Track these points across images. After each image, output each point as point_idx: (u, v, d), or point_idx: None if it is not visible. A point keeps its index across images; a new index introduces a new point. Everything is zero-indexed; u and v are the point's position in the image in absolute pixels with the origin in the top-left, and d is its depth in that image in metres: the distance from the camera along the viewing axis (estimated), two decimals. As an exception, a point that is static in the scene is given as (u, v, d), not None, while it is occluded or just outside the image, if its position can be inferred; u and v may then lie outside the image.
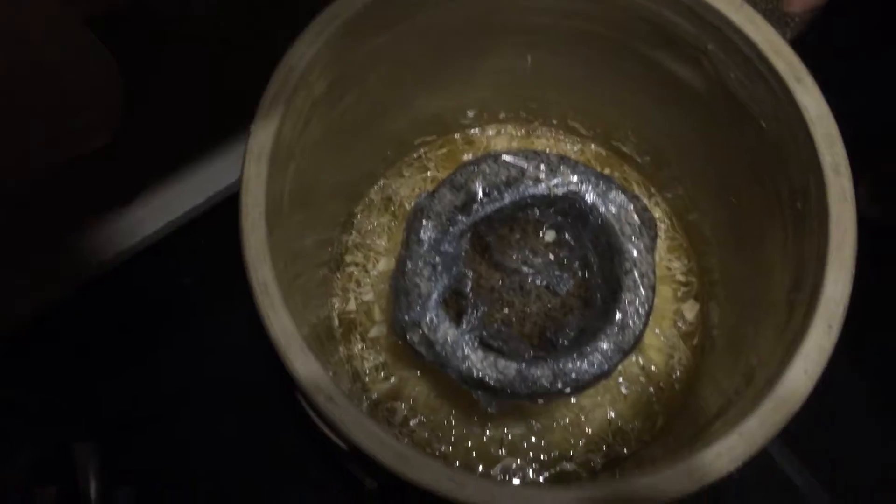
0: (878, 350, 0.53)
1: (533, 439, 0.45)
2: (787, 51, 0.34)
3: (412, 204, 0.42)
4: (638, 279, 0.39)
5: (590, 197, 0.40)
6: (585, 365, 0.38)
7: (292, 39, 0.34)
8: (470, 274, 0.41)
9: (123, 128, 0.39)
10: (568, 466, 0.44)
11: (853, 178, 0.31)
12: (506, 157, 0.40)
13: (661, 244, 0.48)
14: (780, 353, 0.31)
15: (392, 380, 0.46)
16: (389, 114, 0.44)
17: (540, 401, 0.38)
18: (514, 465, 0.44)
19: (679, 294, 0.47)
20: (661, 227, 0.49)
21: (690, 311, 0.46)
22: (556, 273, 0.43)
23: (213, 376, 0.54)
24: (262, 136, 0.32)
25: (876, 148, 0.56)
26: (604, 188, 0.40)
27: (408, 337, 0.38)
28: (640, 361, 0.46)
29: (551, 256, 0.43)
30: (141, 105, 0.42)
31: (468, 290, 0.40)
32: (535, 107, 0.49)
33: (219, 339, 0.55)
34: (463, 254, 0.40)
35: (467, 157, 0.51)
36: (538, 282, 0.43)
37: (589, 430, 0.45)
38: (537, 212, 0.42)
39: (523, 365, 0.37)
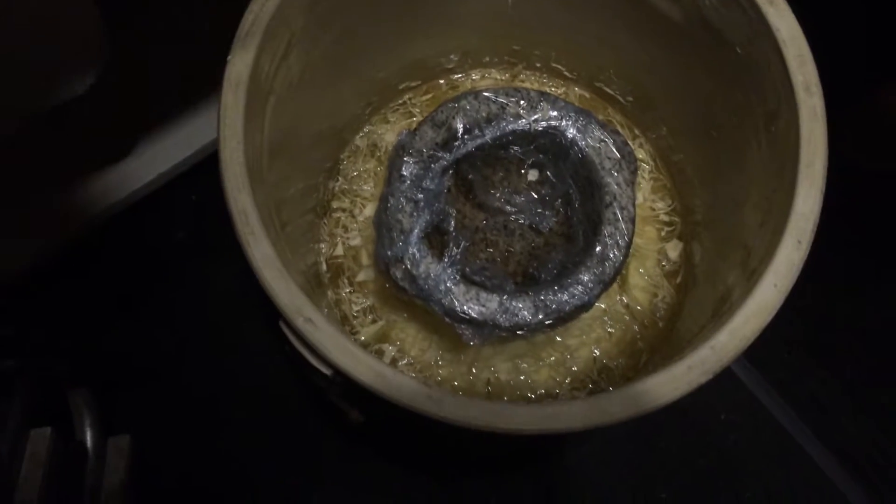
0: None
1: (520, 378, 0.45)
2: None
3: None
4: (618, 212, 0.39)
5: (570, 132, 0.40)
6: (566, 296, 0.38)
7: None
8: (453, 212, 0.41)
9: (113, 78, 0.40)
10: (554, 404, 0.45)
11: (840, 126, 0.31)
12: (486, 94, 0.40)
13: (646, 185, 0.48)
14: (748, 275, 0.31)
15: (380, 323, 0.46)
16: (371, 57, 0.45)
17: (520, 332, 0.38)
18: (500, 405, 0.45)
19: (663, 234, 0.47)
20: (646, 168, 0.49)
21: (674, 250, 0.47)
22: (539, 211, 0.43)
23: (208, 329, 0.55)
24: (240, 65, 0.32)
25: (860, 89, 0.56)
26: (583, 123, 0.40)
27: (391, 272, 0.39)
28: (625, 300, 0.46)
29: (534, 195, 0.44)
30: (130, 54, 0.42)
31: (451, 226, 0.40)
32: (518, 49, 0.49)
33: (213, 291, 0.56)
34: (445, 190, 0.40)
35: (452, 101, 0.51)
36: (522, 220, 0.44)
37: (574, 369, 0.45)
38: (519, 149, 0.42)
39: (505, 297, 0.38)
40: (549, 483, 0.51)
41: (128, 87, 0.47)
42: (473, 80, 0.51)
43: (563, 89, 0.51)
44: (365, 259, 0.48)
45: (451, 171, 0.41)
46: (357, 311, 0.47)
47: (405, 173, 0.39)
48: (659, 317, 0.46)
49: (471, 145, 0.40)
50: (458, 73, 0.51)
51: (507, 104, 0.40)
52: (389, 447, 0.51)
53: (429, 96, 0.51)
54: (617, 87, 0.48)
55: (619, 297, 0.46)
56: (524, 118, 0.40)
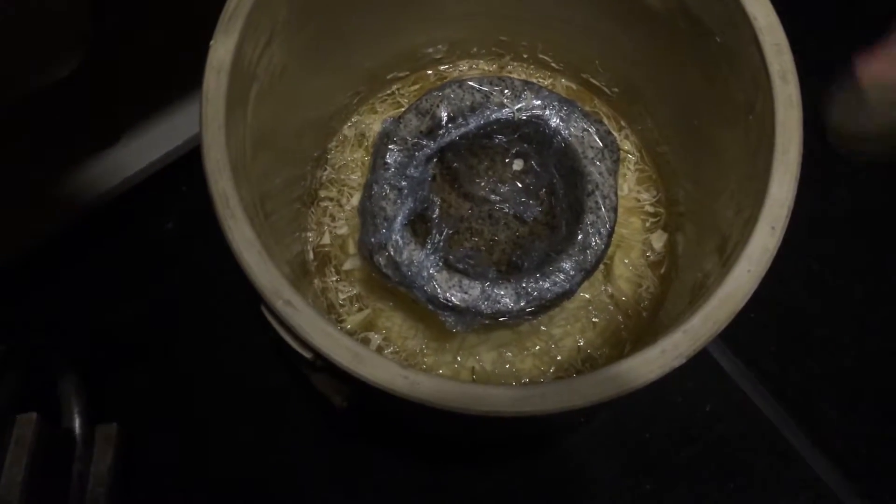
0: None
1: (505, 367, 0.45)
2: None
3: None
4: (600, 201, 0.39)
5: (553, 121, 0.40)
6: (548, 283, 0.38)
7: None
8: (437, 200, 0.41)
9: (103, 65, 0.40)
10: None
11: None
12: (471, 83, 0.40)
13: (631, 176, 0.49)
14: (724, 262, 0.31)
15: (366, 311, 0.47)
16: (358, 47, 0.45)
17: (502, 319, 0.38)
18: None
19: (648, 225, 0.48)
20: (631, 159, 0.49)
21: (659, 240, 0.47)
22: (523, 200, 0.43)
23: (196, 318, 0.55)
24: (222, 50, 0.32)
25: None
26: (567, 112, 0.40)
27: (374, 259, 0.39)
28: (610, 290, 0.47)
29: (518, 184, 0.44)
30: (118, 39, 0.42)
31: (434, 214, 0.40)
32: (505, 39, 0.49)
33: (201, 281, 0.56)
34: (429, 178, 0.41)
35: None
36: (506, 210, 0.44)
37: (559, 358, 0.46)
38: (503, 138, 0.42)
39: (487, 285, 0.38)
40: (536, 473, 0.52)
41: (114, 73, 0.47)
42: (461, 70, 0.51)
43: (551, 80, 0.51)
44: (352, 248, 0.48)
45: (435, 160, 0.41)
46: (343, 300, 0.47)
47: (389, 161, 0.39)
48: (643, 307, 0.46)
49: (455, 134, 0.40)
50: (445, 64, 0.51)
51: (492, 93, 0.40)
52: (374, 434, 0.51)
53: (417, 86, 0.51)
54: (603, 79, 0.48)
55: (603, 288, 0.47)
56: (508, 107, 0.40)
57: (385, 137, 0.40)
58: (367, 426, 0.51)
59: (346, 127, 0.50)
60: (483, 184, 0.44)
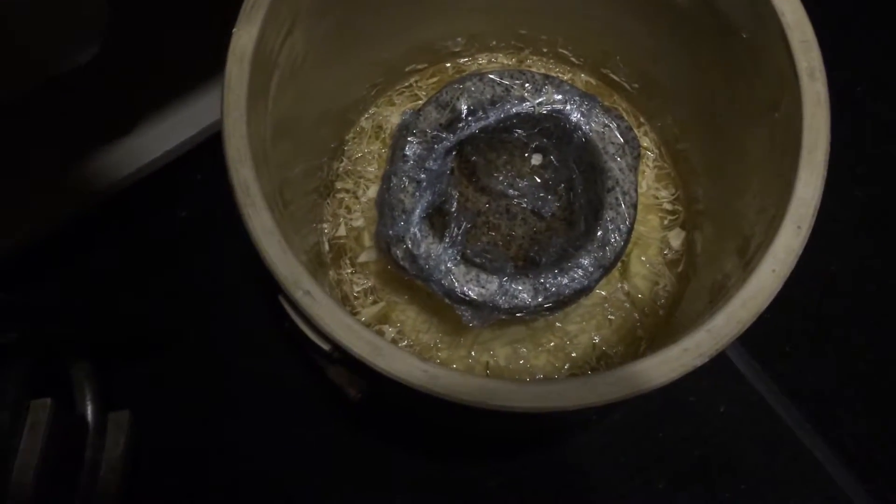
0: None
1: (519, 362, 0.45)
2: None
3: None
4: (620, 197, 0.39)
5: (574, 115, 0.40)
6: (566, 280, 0.38)
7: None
8: (455, 194, 0.41)
9: (119, 53, 0.40)
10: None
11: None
12: (491, 76, 0.40)
13: (650, 173, 0.48)
14: (745, 263, 0.31)
15: (381, 304, 0.46)
16: (377, 39, 0.45)
17: (519, 315, 0.38)
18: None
19: (666, 222, 0.47)
20: (650, 156, 0.49)
21: (676, 238, 0.47)
22: (541, 195, 0.43)
23: (210, 307, 0.55)
24: (245, 38, 0.32)
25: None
26: (588, 107, 0.40)
27: (392, 251, 0.39)
28: (626, 288, 0.46)
29: (537, 179, 0.44)
30: (136, 27, 0.42)
31: (452, 207, 0.40)
32: (524, 33, 0.49)
33: (215, 270, 0.56)
34: (448, 171, 0.40)
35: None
36: (524, 205, 0.44)
37: (574, 355, 0.45)
38: (523, 133, 0.42)
39: (505, 279, 0.38)
40: (548, 470, 0.52)
41: (132, 60, 0.47)
42: (480, 63, 0.51)
43: (570, 75, 0.51)
44: (367, 240, 0.48)
45: (454, 153, 0.41)
46: (358, 292, 0.47)
47: (408, 153, 0.39)
48: (660, 305, 0.46)
49: (474, 127, 0.40)
50: (464, 57, 0.51)
51: (512, 87, 0.40)
52: (389, 427, 0.51)
53: (435, 79, 0.51)
54: (623, 74, 0.48)
55: (620, 285, 0.46)
56: (528, 101, 0.40)
57: (404, 129, 0.40)
58: (379, 418, 0.51)
59: (363, 118, 0.50)
60: (501, 178, 0.44)
